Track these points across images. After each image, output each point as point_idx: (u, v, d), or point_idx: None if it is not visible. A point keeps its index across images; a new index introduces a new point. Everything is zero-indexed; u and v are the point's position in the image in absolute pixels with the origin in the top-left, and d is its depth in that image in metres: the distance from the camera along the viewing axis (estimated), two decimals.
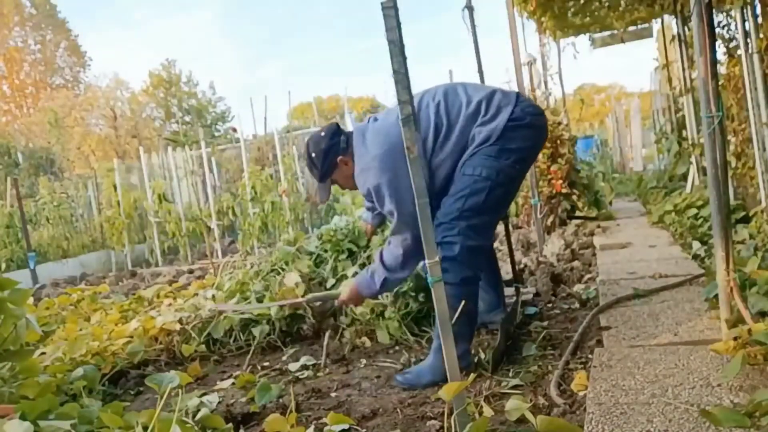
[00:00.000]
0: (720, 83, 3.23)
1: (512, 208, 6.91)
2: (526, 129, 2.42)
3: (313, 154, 2.54)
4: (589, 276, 3.89)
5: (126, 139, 23.19)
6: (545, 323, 2.99)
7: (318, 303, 3.04)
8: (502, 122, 2.37)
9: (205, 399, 2.28)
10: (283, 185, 8.29)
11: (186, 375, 2.01)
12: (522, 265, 4.31)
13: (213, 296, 3.39)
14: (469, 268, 2.32)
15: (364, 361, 2.75)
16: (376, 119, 2.59)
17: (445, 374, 2.02)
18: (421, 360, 2.57)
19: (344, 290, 2.71)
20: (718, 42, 4.32)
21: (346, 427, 1.95)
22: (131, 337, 3.05)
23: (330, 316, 3.19)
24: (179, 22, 57.21)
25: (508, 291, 3.46)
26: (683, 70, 6.50)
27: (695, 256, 3.90)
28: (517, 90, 2.48)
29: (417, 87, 2.13)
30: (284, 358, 2.94)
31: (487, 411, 1.93)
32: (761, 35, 3.72)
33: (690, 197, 5.39)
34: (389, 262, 2.49)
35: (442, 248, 2.27)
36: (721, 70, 4.38)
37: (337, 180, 2.62)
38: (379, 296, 2.82)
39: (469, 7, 3.15)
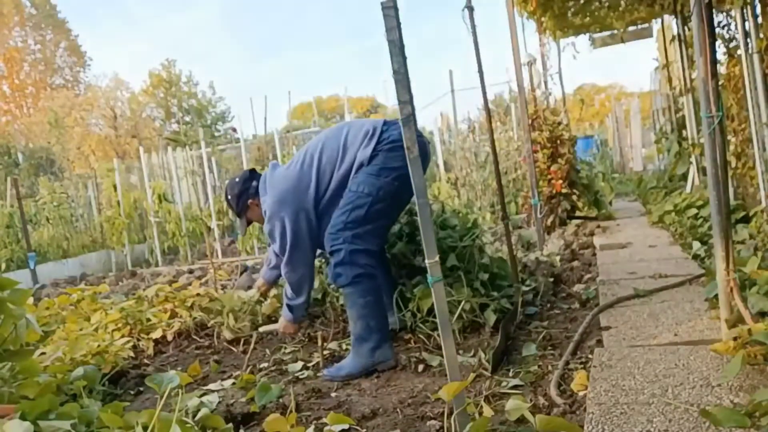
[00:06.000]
0: (720, 83, 3.23)
1: (512, 208, 6.93)
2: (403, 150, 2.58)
3: (229, 197, 3.06)
4: (589, 276, 3.89)
5: (126, 139, 23.19)
6: (545, 323, 2.99)
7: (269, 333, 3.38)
8: (368, 151, 2.69)
9: (205, 399, 2.28)
10: None
11: (186, 375, 2.01)
12: (522, 265, 4.31)
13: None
14: (358, 267, 2.62)
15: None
16: (275, 167, 2.99)
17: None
18: (422, 359, 2.59)
19: (280, 321, 3.17)
20: (718, 42, 4.32)
21: (346, 427, 1.94)
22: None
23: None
24: (179, 21, 57.25)
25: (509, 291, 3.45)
26: (683, 70, 6.50)
27: (695, 256, 3.90)
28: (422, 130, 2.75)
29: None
30: (284, 358, 2.94)
31: (487, 411, 1.93)
32: (761, 35, 3.72)
33: (690, 197, 5.39)
34: (287, 292, 2.99)
35: (332, 256, 2.67)
36: (721, 70, 4.38)
37: (251, 218, 3.08)
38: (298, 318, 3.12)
39: (469, 7, 3.15)
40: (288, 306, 3.02)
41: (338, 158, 2.78)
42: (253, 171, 3.09)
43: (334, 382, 2.50)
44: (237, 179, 3.07)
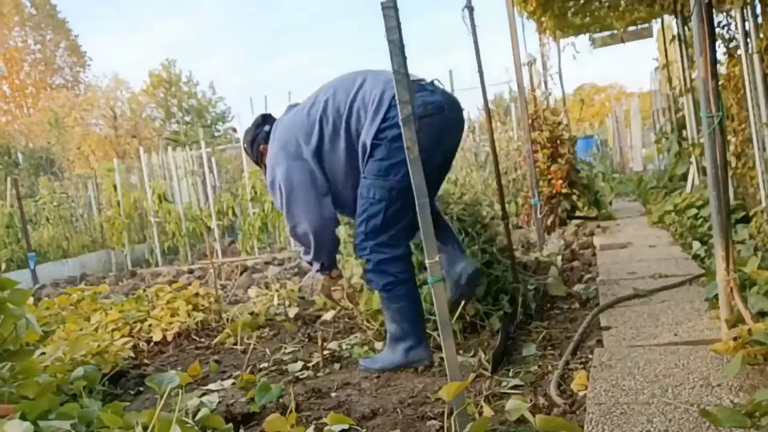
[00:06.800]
0: (720, 83, 3.23)
1: (512, 208, 6.92)
2: None
3: (245, 144, 2.97)
4: (589, 276, 3.89)
5: (126, 139, 23.21)
6: (545, 323, 2.99)
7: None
8: (372, 133, 2.49)
9: (205, 399, 2.28)
10: None
11: (186, 375, 2.01)
12: (522, 265, 4.31)
13: None
14: (389, 275, 2.54)
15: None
16: (290, 109, 2.80)
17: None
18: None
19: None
20: (718, 42, 4.31)
21: (346, 427, 1.94)
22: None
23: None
24: (179, 22, 57.21)
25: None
26: (683, 70, 6.50)
27: (695, 256, 3.90)
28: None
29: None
30: (284, 358, 2.94)
31: (487, 411, 1.93)
32: (761, 35, 3.72)
33: (690, 197, 5.39)
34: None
35: (365, 263, 2.62)
36: (721, 70, 4.38)
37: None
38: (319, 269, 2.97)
39: (469, 7, 3.15)
40: (307, 261, 2.95)
41: (344, 114, 2.58)
42: (266, 116, 2.94)
43: (334, 382, 2.50)
44: (251, 126, 2.95)
